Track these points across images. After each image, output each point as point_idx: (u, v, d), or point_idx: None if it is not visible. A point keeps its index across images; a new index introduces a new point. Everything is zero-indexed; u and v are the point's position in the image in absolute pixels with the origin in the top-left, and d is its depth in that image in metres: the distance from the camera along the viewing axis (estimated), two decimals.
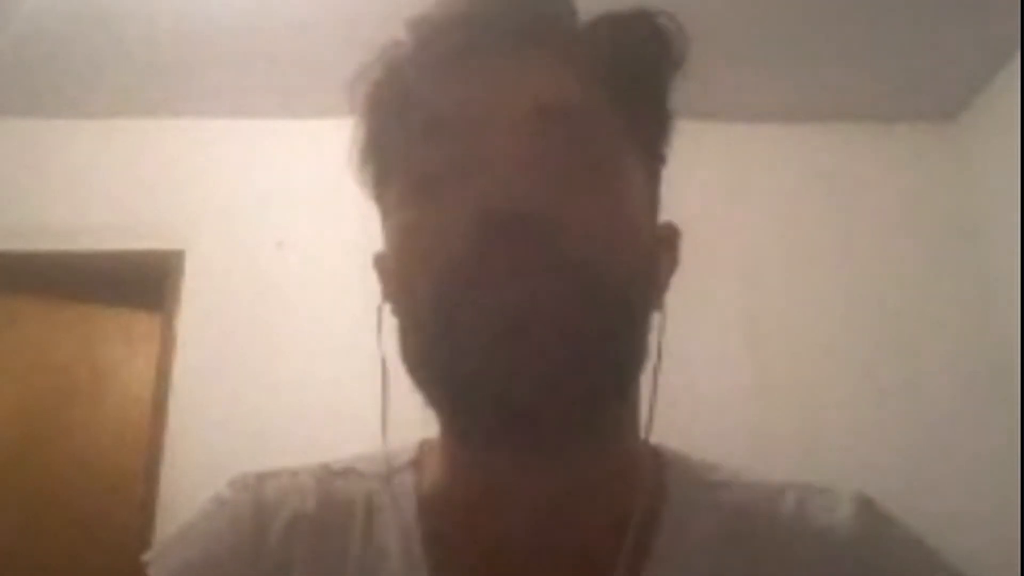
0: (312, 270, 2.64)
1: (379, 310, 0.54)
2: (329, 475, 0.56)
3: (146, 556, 0.53)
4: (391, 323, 0.52)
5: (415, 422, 0.52)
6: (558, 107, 0.49)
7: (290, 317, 2.61)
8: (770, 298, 2.68)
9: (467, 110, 0.49)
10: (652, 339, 0.51)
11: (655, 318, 0.51)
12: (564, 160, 0.48)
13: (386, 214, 0.54)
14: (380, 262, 0.56)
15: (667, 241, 0.56)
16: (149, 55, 2.52)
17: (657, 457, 0.55)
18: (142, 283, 2.84)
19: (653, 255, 0.53)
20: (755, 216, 2.75)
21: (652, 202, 0.55)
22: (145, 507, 2.44)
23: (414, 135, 0.50)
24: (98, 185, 2.75)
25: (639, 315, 0.49)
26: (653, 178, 0.55)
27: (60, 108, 2.75)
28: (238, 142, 2.81)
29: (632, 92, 0.52)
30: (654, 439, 0.53)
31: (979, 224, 2.72)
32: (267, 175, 2.78)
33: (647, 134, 0.54)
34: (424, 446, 0.56)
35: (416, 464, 0.55)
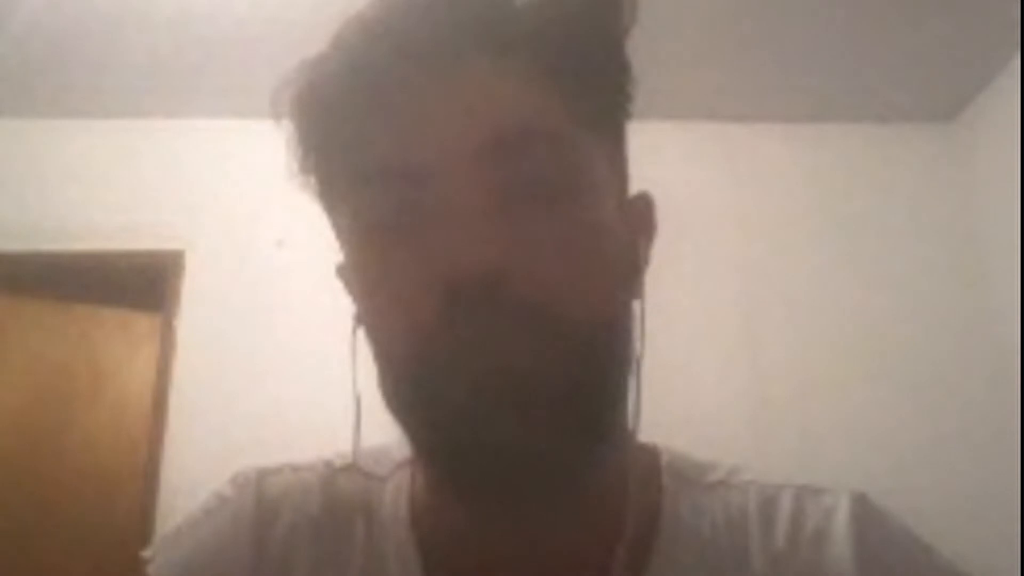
0: (312, 270, 2.63)
1: (352, 339, 0.51)
2: (332, 472, 0.55)
3: (146, 552, 0.53)
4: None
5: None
6: (512, 135, 0.45)
7: (290, 317, 2.61)
8: (769, 298, 2.68)
9: (413, 152, 0.45)
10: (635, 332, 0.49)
11: (635, 307, 0.49)
12: (524, 196, 0.44)
13: (339, 232, 0.52)
14: (344, 274, 0.55)
15: (642, 213, 0.54)
16: (149, 55, 2.52)
17: (653, 458, 0.54)
18: (142, 283, 2.84)
19: (631, 260, 0.51)
20: (755, 216, 2.75)
21: (621, 184, 0.52)
22: (145, 507, 2.44)
23: (356, 176, 0.47)
24: (98, 185, 2.75)
25: (616, 342, 0.47)
26: (619, 150, 0.52)
27: (60, 108, 2.75)
28: (238, 142, 2.80)
29: (587, 63, 0.48)
30: (652, 438, 0.53)
31: (978, 224, 2.72)
32: (267, 175, 2.77)
33: (609, 102, 0.50)
34: None
35: (413, 463, 0.55)
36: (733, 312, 2.63)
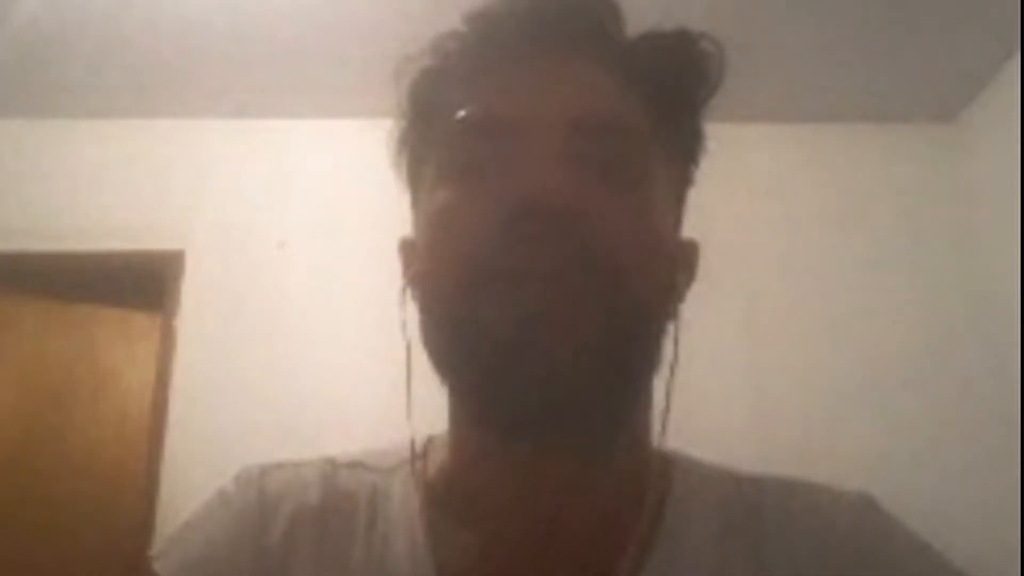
0: (312, 270, 2.64)
1: (402, 292, 0.55)
2: (334, 468, 0.57)
3: (152, 551, 0.54)
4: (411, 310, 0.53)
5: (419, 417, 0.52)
6: (600, 121, 0.50)
7: (290, 317, 2.61)
8: (769, 297, 2.68)
9: (516, 112, 0.50)
10: (667, 347, 0.52)
11: (670, 328, 0.52)
12: (600, 168, 0.49)
13: (418, 200, 0.55)
14: (405, 247, 0.57)
15: (687, 257, 0.57)
16: (149, 55, 2.52)
17: (662, 456, 0.55)
18: (142, 283, 2.84)
19: (673, 264, 0.54)
20: (754, 216, 2.75)
21: (676, 219, 0.56)
22: (145, 507, 2.44)
23: (460, 125, 0.51)
24: (98, 185, 2.75)
25: (657, 319, 0.50)
26: (680, 197, 0.56)
27: (60, 108, 2.76)
28: (238, 142, 2.81)
29: (668, 112, 0.53)
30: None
31: (979, 224, 2.72)
32: (267, 175, 2.79)
33: (679, 155, 0.55)
34: (430, 442, 0.57)
35: (423, 457, 0.56)
36: (732, 310, 2.63)
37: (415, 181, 0.56)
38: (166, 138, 2.80)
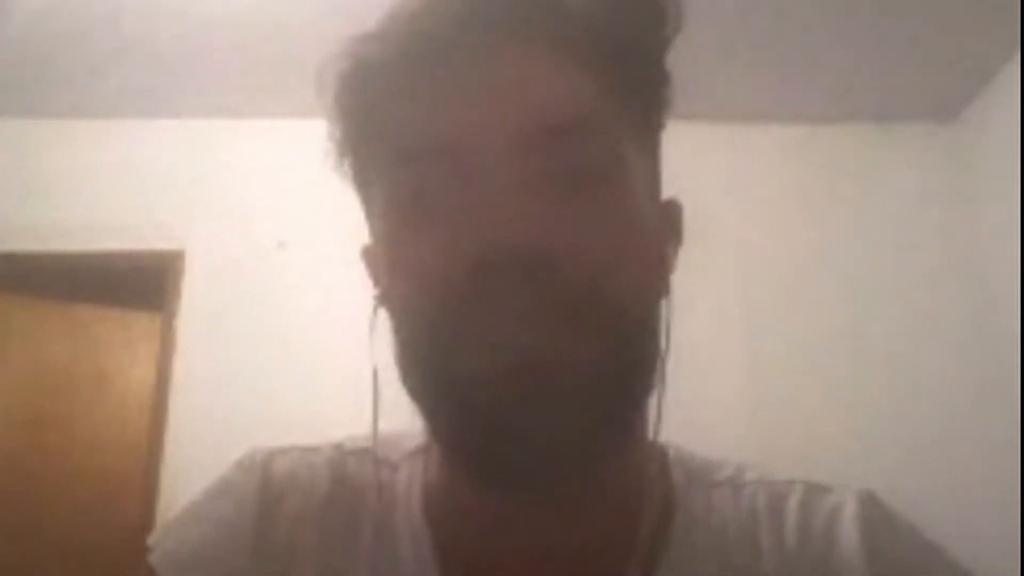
0: (312, 270, 2.64)
1: (372, 318, 0.51)
2: (342, 455, 0.55)
3: (150, 539, 0.53)
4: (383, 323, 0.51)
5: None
6: (557, 122, 0.45)
7: (290, 317, 2.61)
8: (769, 298, 2.68)
9: (458, 129, 0.45)
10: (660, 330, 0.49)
11: (662, 305, 0.49)
12: (565, 180, 0.45)
13: (371, 209, 0.51)
14: (369, 255, 0.54)
15: (672, 221, 0.54)
16: (149, 55, 2.52)
17: (661, 455, 0.54)
18: (142, 283, 2.85)
19: (662, 255, 0.51)
20: (755, 216, 2.75)
21: (655, 185, 0.52)
22: (145, 506, 2.44)
23: (398, 152, 0.47)
24: (98, 185, 2.75)
25: (650, 333, 0.47)
26: (653, 154, 0.52)
27: (60, 108, 2.76)
28: (238, 142, 2.81)
29: (629, 66, 0.49)
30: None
31: (979, 224, 2.72)
32: (267, 175, 2.79)
33: (647, 107, 0.51)
34: None
35: (427, 451, 0.54)
36: (732, 310, 2.63)
37: (365, 189, 0.52)
38: (166, 138, 2.80)
